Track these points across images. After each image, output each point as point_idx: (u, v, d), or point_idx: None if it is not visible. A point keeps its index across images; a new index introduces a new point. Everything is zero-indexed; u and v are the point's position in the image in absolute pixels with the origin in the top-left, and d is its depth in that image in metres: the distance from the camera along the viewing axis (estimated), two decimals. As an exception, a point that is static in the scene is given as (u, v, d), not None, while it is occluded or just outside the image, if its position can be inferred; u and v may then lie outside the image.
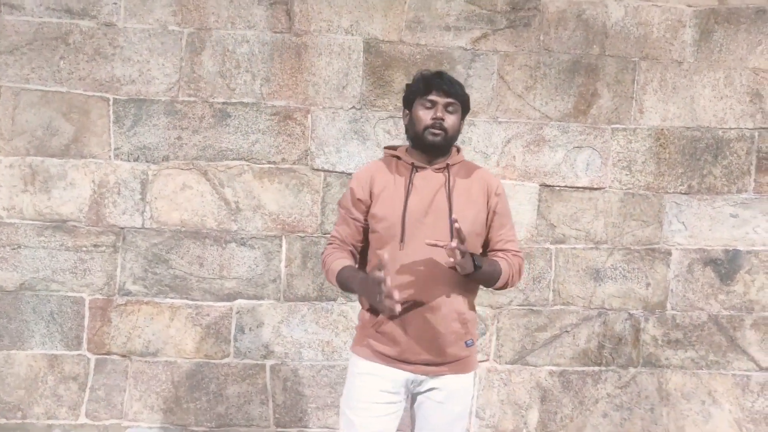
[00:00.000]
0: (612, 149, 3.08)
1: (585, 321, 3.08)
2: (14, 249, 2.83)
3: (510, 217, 1.95)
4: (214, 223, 2.92)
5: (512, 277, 1.88)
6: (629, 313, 3.09)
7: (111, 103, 2.85)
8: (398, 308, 1.63)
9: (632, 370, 3.09)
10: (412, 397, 1.92)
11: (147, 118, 2.87)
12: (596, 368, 3.09)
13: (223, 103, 2.91)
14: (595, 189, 3.08)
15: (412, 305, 1.79)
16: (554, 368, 3.07)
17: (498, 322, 3.05)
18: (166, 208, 2.90)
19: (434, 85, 1.82)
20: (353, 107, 2.94)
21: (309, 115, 2.95)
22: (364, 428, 1.83)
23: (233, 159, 2.92)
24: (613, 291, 3.09)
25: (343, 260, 1.86)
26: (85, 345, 2.88)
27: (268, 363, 2.95)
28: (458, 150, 1.93)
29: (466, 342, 1.86)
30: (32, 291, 2.85)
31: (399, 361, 1.83)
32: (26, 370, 2.86)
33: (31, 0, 2.80)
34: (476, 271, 1.76)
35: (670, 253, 3.10)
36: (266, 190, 2.93)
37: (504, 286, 1.89)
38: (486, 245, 1.93)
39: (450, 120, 1.83)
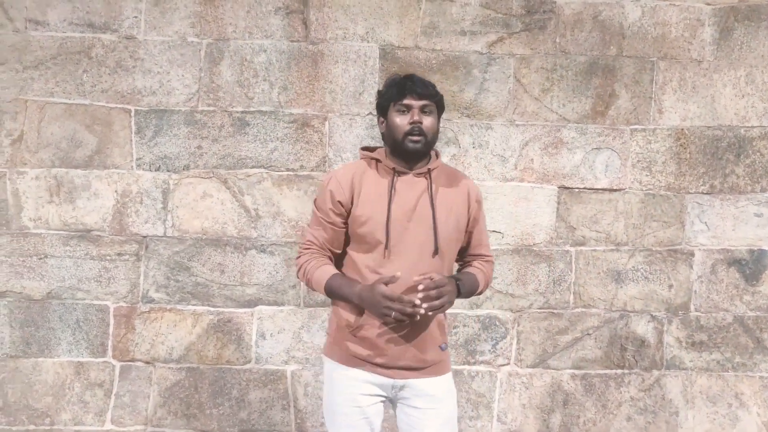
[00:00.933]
0: (631, 150, 3.08)
1: (607, 323, 3.07)
2: (41, 259, 2.92)
3: (485, 224, 2.01)
4: (234, 230, 2.98)
5: (486, 285, 1.96)
6: (652, 315, 3.08)
7: (132, 114, 2.93)
8: (420, 311, 1.70)
9: (656, 372, 3.07)
10: (393, 404, 1.90)
11: (168, 128, 2.94)
12: (619, 371, 3.07)
13: (242, 112, 2.97)
14: (615, 190, 3.07)
15: None
16: (576, 371, 3.06)
17: (518, 326, 3.05)
18: (188, 216, 2.96)
19: (407, 88, 1.80)
20: (370, 113, 2.99)
21: (326, 122, 2.99)
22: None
23: (252, 167, 2.98)
24: (635, 293, 3.07)
25: (327, 267, 1.85)
26: (110, 352, 2.95)
27: (289, 369, 2.99)
28: (437, 155, 1.91)
29: (440, 346, 1.88)
30: (59, 300, 2.93)
31: (378, 366, 1.82)
32: (53, 377, 2.94)
33: (56, 15, 2.89)
34: (459, 294, 1.83)
35: (692, 254, 3.08)
36: (285, 197, 2.98)
37: (477, 295, 1.98)
38: (462, 249, 1.96)
39: (427, 122, 1.81)
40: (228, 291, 2.97)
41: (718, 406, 3.09)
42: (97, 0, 2.90)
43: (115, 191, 2.94)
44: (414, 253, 1.77)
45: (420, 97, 1.80)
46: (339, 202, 1.83)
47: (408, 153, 1.81)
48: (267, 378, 2.99)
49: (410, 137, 1.79)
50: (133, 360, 2.96)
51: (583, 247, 3.07)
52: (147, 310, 2.96)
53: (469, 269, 1.96)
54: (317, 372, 2.99)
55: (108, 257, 2.94)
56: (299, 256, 1.91)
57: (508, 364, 3.05)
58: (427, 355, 1.84)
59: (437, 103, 1.85)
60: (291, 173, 2.99)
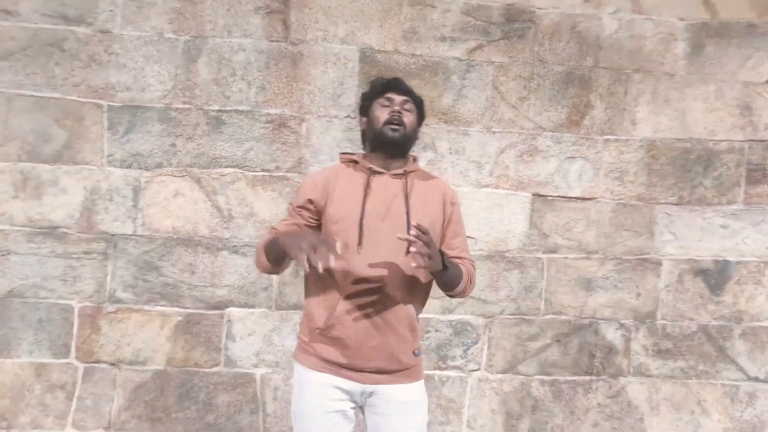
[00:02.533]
0: (604, 160, 3.15)
1: (576, 330, 3.14)
2: (3, 255, 2.84)
3: (463, 227, 1.98)
4: (206, 230, 2.95)
5: (469, 283, 1.89)
6: (620, 323, 3.15)
7: (105, 109, 2.88)
8: (332, 257, 1.55)
9: (623, 379, 3.14)
10: (363, 411, 1.89)
11: (141, 124, 2.90)
12: (587, 378, 3.13)
13: (218, 111, 2.95)
14: (588, 199, 3.14)
15: (367, 307, 1.78)
16: (545, 377, 3.11)
17: (489, 332, 3.09)
18: (159, 215, 2.92)
19: (390, 86, 1.90)
20: (348, 116, 3.01)
21: (304, 124, 3.00)
22: None
23: (227, 166, 2.96)
24: (604, 301, 3.14)
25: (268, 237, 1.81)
26: (73, 353, 2.89)
27: (259, 372, 2.98)
28: (415, 159, 1.95)
29: (414, 351, 1.86)
30: (21, 298, 2.86)
31: (348, 369, 1.81)
32: (12, 378, 2.86)
33: (28, 6, 2.82)
34: (444, 270, 1.75)
35: (660, 264, 3.16)
36: (259, 198, 2.97)
37: (460, 293, 1.87)
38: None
39: (408, 117, 1.88)
40: (198, 292, 2.95)
41: (682, 413, 3.17)
42: (72, -8, 2.86)
43: (84, 188, 2.88)
44: (385, 251, 1.77)
45: (402, 93, 1.89)
46: (310, 200, 1.87)
47: (387, 141, 1.84)
48: (236, 381, 2.97)
49: (390, 125, 1.84)
50: (97, 361, 2.91)
51: (554, 255, 3.14)
52: (113, 310, 2.91)
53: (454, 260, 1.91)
54: (287, 376, 2.98)
55: (74, 255, 2.89)
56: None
57: (479, 369, 3.09)
58: (400, 357, 1.83)
59: (417, 105, 1.93)
60: (266, 174, 2.98)
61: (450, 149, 3.07)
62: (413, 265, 1.69)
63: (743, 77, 3.17)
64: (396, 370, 1.84)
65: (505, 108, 3.09)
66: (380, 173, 1.86)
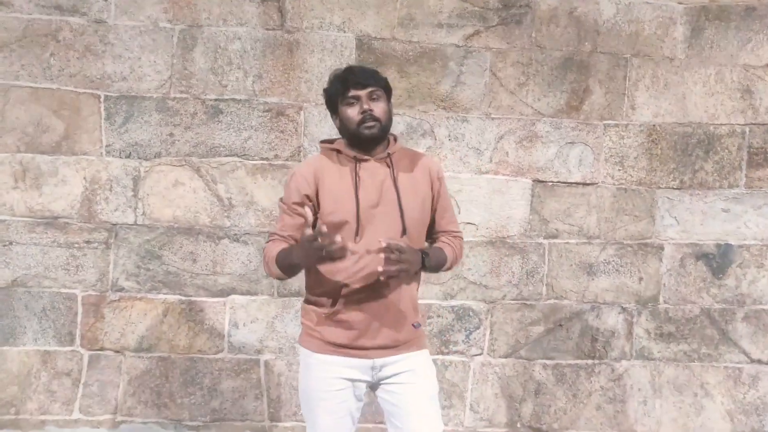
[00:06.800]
0: (604, 145, 2.82)
1: (578, 315, 2.84)
2: (5, 246, 2.60)
3: (449, 199, 1.88)
4: (207, 219, 2.65)
5: (455, 259, 1.83)
6: (622, 307, 2.86)
7: (102, 100, 2.62)
8: (338, 239, 1.49)
9: (625, 363, 2.86)
10: (374, 388, 1.75)
11: (138, 114, 2.63)
12: (589, 361, 2.85)
13: (215, 100, 2.65)
14: (588, 184, 2.84)
15: (369, 292, 1.66)
16: (548, 362, 2.84)
17: (492, 317, 2.79)
18: (159, 204, 2.65)
19: (350, 81, 1.69)
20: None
21: (302, 112, 2.68)
22: (326, 417, 1.68)
23: (226, 155, 2.65)
24: (606, 285, 2.85)
25: (279, 247, 1.69)
26: (78, 341, 2.64)
27: (263, 358, 2.71)
28: (395, 138, 1.79)
29: (413, 324, 1.75)
30: (24, 287, 2.62)
31: (354, 348, 1.69)
32: (19, 366, 2.63)
33: (21, -4, 2.54)
34: (425, 267, 1.70)
35: (662, 248, 2.87)
36: (259, 187, 2.66)
37: (448, 269, 1.84)
38: (430, 227, 1.82)
39: (378, 108, 1.69)
40: (200, 280, 2.66)
41: (685, 396, 2.89)
42: (66, -17, 2.55)
43: (84, 178, 2.61)
44: (382, 236, 1.61)
45: (364, 86, 1.69)
46: (306, 195, 1.70)
47: (365, 141, 1.69)
48: (240, 367, 2.68)
49: (364, 125, 1.67)
50: (102, 349, 2.65)
51: (555, 240, 2.80)
52: (117, 298, 2.63)
53: (438, 244, 1.82)
54: (290, 362, 2.72)
55: (76, 245, 2.60)
56: (264, 249, 1.74)
57: (481, 354, 2.79)
58: (402, 334, 1.72)
59: (384, 88, 1.73)
60: (265, 162, 2.66)
61: (449, 136, 2.72)
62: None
63: (743, 60, 2.88)
64: (399, 344, 1.72)
65: (504, 94, 2.73)
66: (365, 160, 1.71)
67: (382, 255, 1.56)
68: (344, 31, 2.68)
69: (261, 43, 2.64)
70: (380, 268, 1.55)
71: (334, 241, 1.47)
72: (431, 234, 1.83)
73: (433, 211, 1.79)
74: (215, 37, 2.63)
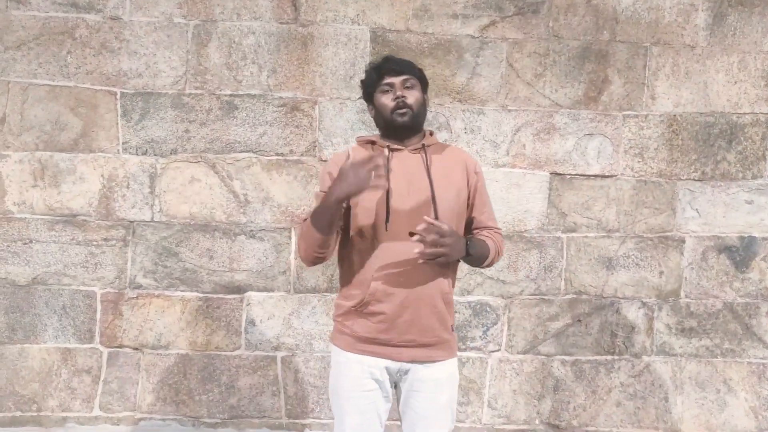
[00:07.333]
0: (624, 136, 2.73)
1: (597, 310, 2.76)
2: (25, 244, 2.59)
3: (488, 196, 1.83)
4: (223, 215, 2.62)
5: (497, 255, 1.79)
6: (642, 302, 2.78)
7: (118, 97, 2.60)
8: (380, 161, 1.51)
9: (646, 358, 2.79)
10: (397, 388, 1.74)
11: (154, 111, 2.60)
12: (609, 357, 2.78)
13: (230, 96, 2.61)
14: (607, 177, 2.76)
15: (399, 282, 1.64)
16: (567, 358, 2.77)
17: (509, 312, 2.73)
18: (175, 201, 2.62)
19: (385, 69, 1.71)
20: (361, 98, 2.58)
21: (316, 106, 2.63)
22: (354, 417, 1.67)
23: (241, 151, 2.62)
24: (625, 279, 2.78)
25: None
26: (97, 338, 2.63)
27: (279, 354, 2.68)
28: (431, 133, 1.78)
29: (452, 326, 1.73)
30: (44, 285, 2.62)
31: (384, 345, 1.66)
32: (40, 363, 2.63)
33: (36, -6, 2.53)
34: (468, 256, 1.66)
35: (683, 241, 2.78)
36: (274, 182, 2.63)
37: (487, 266, 1.79)
38: (468, 224, 1.79)
39: (412, 96, 1.70)
40: (217, 277, 2.62)
41: (707, 392, 2.81)
42: (82, -19, 2.53)
43: (101, 175, 2.60)
44: (413, 227, 1.58)
45: (399, 74, 1.70)
46: None
47: (398, 127, 1.69)
48: (257, 364, 2.65)
49: (397, 111, 1.68)
50: (120, 346, 2.63)
51: (574, 234, 2.73)
52: (135, 296, 2.61)
53: (479, 236, 1.77)
54: (307, 358, 2.68)
55: (94, 242, 2.59)
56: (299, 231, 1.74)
57: (499, 350, 2.72)
58: (434, 330, 1.68)
59: (419, 78, 1.74)
60: (280, 158, 2.62)
61: (465, 128, 2.66)
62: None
63: (768, 47, 2.75)
64: (430, 344, 1.68)
65: (521, 85, 2.66)
66: (399, 150, 1.70)
67: (415, 238, 1.53)
68: (358, 24, 2.63)
69: (275, 38, 2.61)
70: (417, 250, 1.52)
71: (379, 164, 1.48)
72: (470, 230, 1.79)
73: (471, 206, 1.76)
74: (229, 31, 2.60)
